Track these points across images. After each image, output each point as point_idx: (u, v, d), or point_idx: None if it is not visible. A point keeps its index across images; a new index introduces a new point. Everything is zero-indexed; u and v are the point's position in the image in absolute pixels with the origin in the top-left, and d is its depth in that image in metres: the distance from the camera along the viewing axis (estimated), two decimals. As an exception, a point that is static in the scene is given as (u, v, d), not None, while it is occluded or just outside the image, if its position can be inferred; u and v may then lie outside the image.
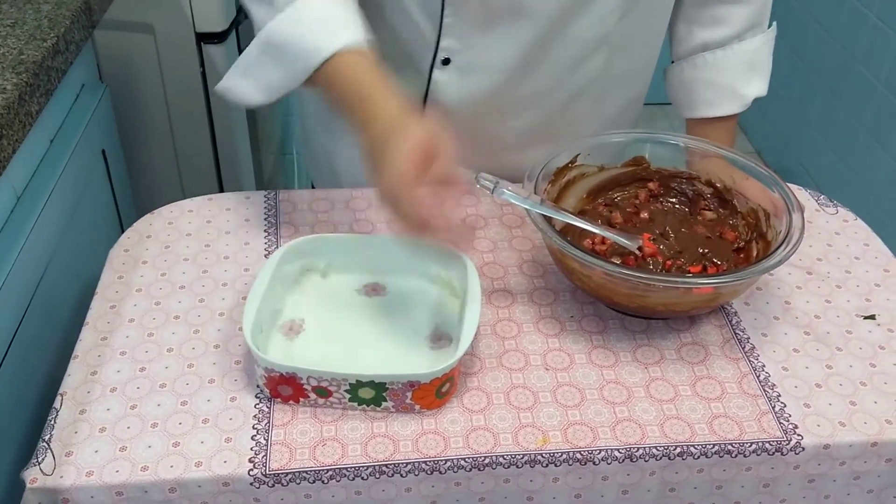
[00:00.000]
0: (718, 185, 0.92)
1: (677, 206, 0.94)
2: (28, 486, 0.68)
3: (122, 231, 0.96)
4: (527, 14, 0.90)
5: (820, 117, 2.39)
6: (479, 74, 0.95)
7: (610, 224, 0.91)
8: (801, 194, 1.04)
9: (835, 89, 2.30)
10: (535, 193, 0.83)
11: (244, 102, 0.88)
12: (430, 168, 0.72)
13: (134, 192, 1.32)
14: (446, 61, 0.94)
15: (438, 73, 0.95)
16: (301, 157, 1.21)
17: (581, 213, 0.91)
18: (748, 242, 0.88)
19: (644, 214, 0.92)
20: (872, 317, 0.86)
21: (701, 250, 0.88)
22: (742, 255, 0.88)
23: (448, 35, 0.92)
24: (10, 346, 0.83)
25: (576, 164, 0.91)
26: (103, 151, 1.17)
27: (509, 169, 0.97)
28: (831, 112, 2.32)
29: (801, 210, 0.83)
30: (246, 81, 0.86)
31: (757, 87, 1.05)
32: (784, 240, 0.80)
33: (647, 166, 0.94)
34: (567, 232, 0.86)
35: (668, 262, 0.86)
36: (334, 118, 1.05)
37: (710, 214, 0.92)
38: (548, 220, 0.81)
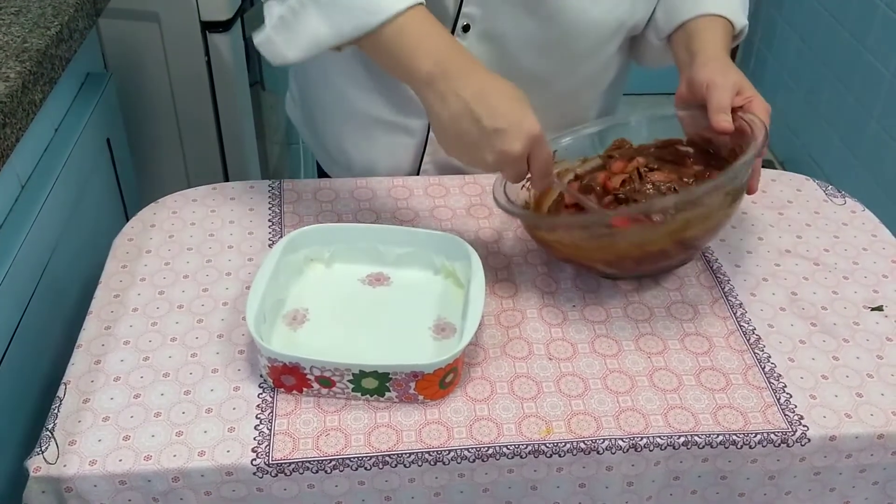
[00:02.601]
0: (698, 142, 0.91)
1: (662, 172, 0.92)
2: (31, 474, 0.68)
3: (127, 220, 0.96)
4: None
5: (829, 108, 2.37)
6: (497, 44, 0.94)
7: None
8: (809, 184, 1.03)
9: (844, 79, 2.28)
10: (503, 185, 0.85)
11: (280, 59, 0.82)
12: None
13: (139, 182, 1.32)
14: (466, 28, 0.93)
15: (458, 41, 0.94)
16: (306, 143, 1.20)
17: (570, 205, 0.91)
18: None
19: (618, 164, 0.91)
20: (880, 308, 0.85)
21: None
22: None
23: (471, 2, 0.91)
24: (14, 334, 0.83)
25: (555, 161, 0.91)
26: (108, 140, 1.16)
27: (434, 178, 0.99)
28: (840, 102, 2.31)
29: (758, 139, 0.80)
30: (286, 35, 0.80)
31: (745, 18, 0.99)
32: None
33: (629, 147, 0.93)
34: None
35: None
36: (340, 103, 1.05)
37: (697, 168, 0.91)
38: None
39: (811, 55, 2.47)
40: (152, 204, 0.98)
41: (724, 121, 0.83)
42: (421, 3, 0.79)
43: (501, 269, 0.89)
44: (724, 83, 0.84)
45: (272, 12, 0.81)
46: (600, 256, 0.82)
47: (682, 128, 0.91)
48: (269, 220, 0.95)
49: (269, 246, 0.91)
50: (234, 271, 0.88)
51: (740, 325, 0.83)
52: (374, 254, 0.87)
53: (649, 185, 0.87)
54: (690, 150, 0.91)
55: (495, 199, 0.84)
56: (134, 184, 1.28)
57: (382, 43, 0.78)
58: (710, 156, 0.90)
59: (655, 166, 0.90)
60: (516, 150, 0.75)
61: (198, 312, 0.83)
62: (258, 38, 0.83)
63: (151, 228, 0.94)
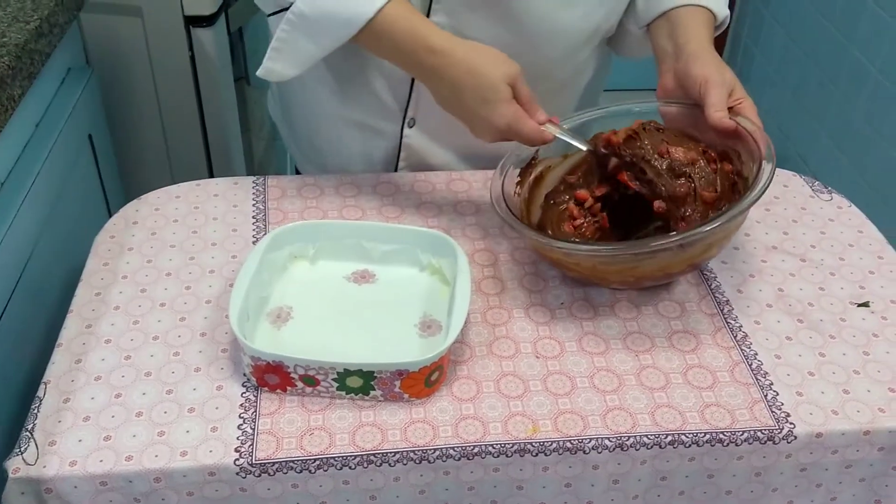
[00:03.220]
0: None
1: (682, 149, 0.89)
2: (10, 475, 0.67)
3: (110, 217, 0.95)
4: (514, 1, 0.89)
5: (816, 104, 2.38)
6: None
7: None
8: (795, 181, 1.03)
9: (831, 75, 2.28)
10: (503, 197, 0.85)
11: (282, 78, 0.91)
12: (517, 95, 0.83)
13: (122, 178, 1.31)
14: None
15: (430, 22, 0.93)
16: (284, 141, 1.19)
17: (555, 204, 0.90)
18: (732, 184, 0.84)
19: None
20: (866, 304, 0.85)
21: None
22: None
23: (438, 11, 0.91)
24: (-7, 333, 0.82)
25: (538, 158, 0.90)
26: (90, 136, 1.15)
27: (491, 155, 0.97)
28: (827, 98, 2.31)
29: (771, 155, 0.79)
30: (280, 60, 0.89)
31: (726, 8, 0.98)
32: (753, 182, 0.77)
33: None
34: (545, 224, 0.87)
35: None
36: (315, 104, 1.04)
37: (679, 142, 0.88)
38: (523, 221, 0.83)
39: (798, 51, 2.47)
40: (135, 201, 0.97)
41: (724, 119, 0.82)
42: (386, 5, 0.83)
43: (488, 267, 0.89)
44: (721, 81, 0.83)
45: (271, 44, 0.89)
46: (619, 278, 0.82)
47: (665, 122, 0.90)
48: (254, 217, 0.94)
49: (254, 243, 0.90)
50: (217, 269, 0.87)
51: (727, 323, 0.83)
52: (360, 251, 0.86)
53: (662, 162, 0.83)
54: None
55: (511, 225, 0.83)
56: (117, 180, 1.27)
57: (364, 42, 0.86)
58: None
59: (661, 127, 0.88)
60: (486, 138, 0.84)
61: (180, 310, 0.82)
62: (261, 71, 0.91)
63: (134, 225, 0.93)
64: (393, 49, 0.85)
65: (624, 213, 0.87)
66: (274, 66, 0.90)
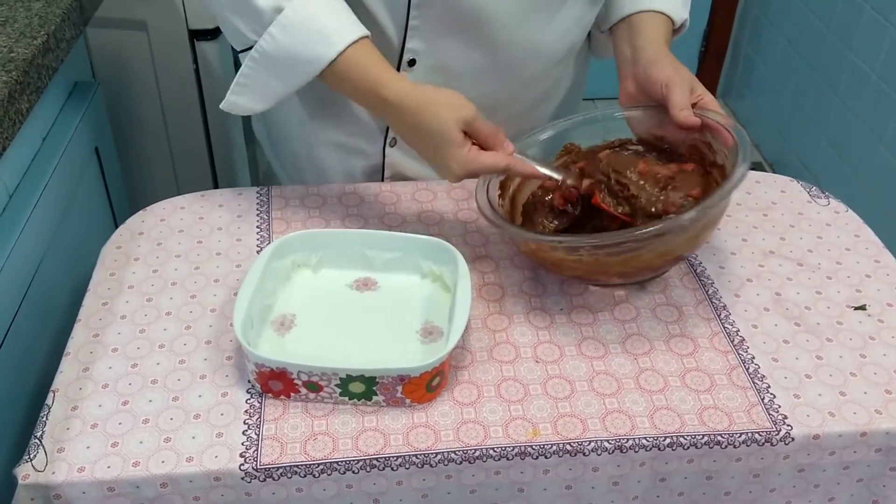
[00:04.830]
0: (649, 140, 0.91)
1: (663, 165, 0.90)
2: (20, 482, 0.68)
3: (116, 228, 0.96)
4: (490, 22, 0.91)
5: (816, 110, 2.39)
6: (446, 76, 0.95)
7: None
8: (793, 186, 1.04)
9: (831, 81, 2.29)
10: (491, 207, 0.86)
11: (248, 112, 0.92)
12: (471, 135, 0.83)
13: (128, 190, 1.32)
14: (412, 62, 0.94)
15: (404, 75, 0.95)
16: (270, 160, 1.20)
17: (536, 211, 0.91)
18: (707, 173, 0.86)
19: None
20: (863, 307, 0.86)
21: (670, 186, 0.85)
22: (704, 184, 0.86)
23: (414, 37, 0.92)
24: (2, 343, 0.83)
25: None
26: (96, 149, 1.17)
27: (422, 183, 1.00)
28: (827, 105, 2.32)
29: (747, 143, 0.81)
30: (247, 96, 0.90)
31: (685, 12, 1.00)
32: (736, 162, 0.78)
33: (578, 150, 0.93)
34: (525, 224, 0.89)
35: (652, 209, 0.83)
36: (297, 125, 1.06)
37: (654, 162, 0.90)
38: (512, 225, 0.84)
39: (798, 57, 2.48)
40: (140, 212, 0.98)
41: (689, 116, 0.84)
42: (355, 42, 0.85)
43: (488, 273, 0.90)
44: (681, 81, 0.86)
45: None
46: (619, 270, 0.83)
47: (631, 127, 0.92)
48: (258, 227, 0.96)
49: (258, 252, 0.92)
50: (221, 278, 0.88)
51: (724, 327, 0.84)
52: (362, 259, 0.88)
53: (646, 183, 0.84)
54: (641, 148, 0.92)
55: (498, 226, 0.84)
56: (123, 192, 1.29)
57: (328, 82, 0.87)
58: (664, 153, 0.91)
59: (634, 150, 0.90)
60: (452, 180, 0.84)
61: (186, 319, 0.83)
62: (224, 105, 0.91)
63: (139, 236, 0.94)
64: (353, 92, 0.87)
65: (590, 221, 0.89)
66: (238, 100, 0.90)
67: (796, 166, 2.49)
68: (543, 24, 0.94)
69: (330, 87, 0.88)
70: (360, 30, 0.86)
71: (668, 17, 0.95)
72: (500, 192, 0.89)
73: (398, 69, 0.94)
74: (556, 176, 0.86)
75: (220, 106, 0.91)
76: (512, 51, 0.94)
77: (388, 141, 1.02)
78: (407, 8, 0.90)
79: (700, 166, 0.87)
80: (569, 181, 0.86)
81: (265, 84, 0.88)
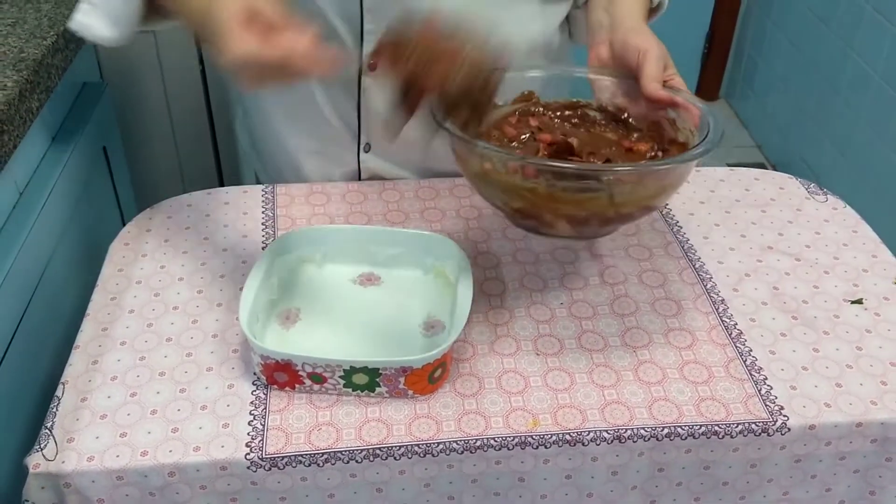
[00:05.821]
0: (610, 108, 0.89)
1: (579, 129, 0.90)
2: (31, 471, 0.70)
3: (124, 226, 0.98)
4: None
5: (819, 110, 2.40)
6: None
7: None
8: (791, 183, 1.05)
9: (833, 82, 2.30)
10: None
11: (98, 40, 0.86)
12: (258, 21, 0.70)
13: (135, 188, 1.34)
14: (373, 67, 0.94)
15: (367, 80, 0.96)
16: (256, 170, 1.21)
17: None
18: (663, 151, 0.85)
19: (545, 136, 0.86)
20: (860, 301, 0.87)
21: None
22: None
23: (370, 41, 0.93)
24: (13, 337, 0.85)
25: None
26: (104, 148, 1.19)
27: (451, 172, 1.00)
28: (830, 105, 2.33)
29: (715, 113, 0.80)
30: (94, 15, 0.85)
31: None
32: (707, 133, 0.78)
33: (536, 101, 0.91)
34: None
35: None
36: (275, 135, 1.06)
37: (611, 135, 0.88)
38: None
39: (800, 58, 2.49)
40: (148, 209, 1.00)
41: (658, 90, 0.82)
42: None
43: (490, 269, 0.91)
44: (658, 54, 0.84)
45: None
46: (570, 211, 0.78)
47: (594, 91, 0.89)
48: (263, 224, 0.97)
49: (263, 248, 0.93)
50: (228, 273, 0.90)
51: (722, 320, 0.85)
52: (366, 254, 0.89)
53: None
54: (598, 115, 0.90)
55: (460, 138, 0.77)
56: (130, 190, 1.30)
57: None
58: (621, 123, 0.89)
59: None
60: (235, 79, 0.72)
61: (192, 313, 0.85)
62: (73, 24, 0.85)
63: (147, 233, 0.96)
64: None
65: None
66: (85, 19, 0.85)
67: (799, 166, 2.50)
68: (494, 21, 0.94)
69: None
70: None
71: None
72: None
73: (359, 74, 0.95)
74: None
75: (68, 25, 0.86)
76: None
77: (362, 146, 1.03)
78: (360, 13, 0.90)
79: (657, 143, 0.85)
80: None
81: (109, 2, 0.84)
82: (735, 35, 2.92)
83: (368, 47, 0.93)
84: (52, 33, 0.95)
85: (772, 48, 2.68)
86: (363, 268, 0.90)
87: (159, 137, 1.51)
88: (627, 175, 0.76)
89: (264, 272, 0.82)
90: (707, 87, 3.00)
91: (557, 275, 0.90)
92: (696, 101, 0.83)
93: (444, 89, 0.73)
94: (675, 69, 0.85)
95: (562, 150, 0.81)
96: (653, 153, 0.85)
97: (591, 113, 0.90)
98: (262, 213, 0.99)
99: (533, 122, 0.88)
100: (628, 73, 0.86)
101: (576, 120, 0.90)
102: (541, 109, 0.90)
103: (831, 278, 0.90)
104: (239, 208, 1.00)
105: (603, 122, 0.89)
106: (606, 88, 0.89)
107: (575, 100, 0.90)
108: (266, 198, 1.01)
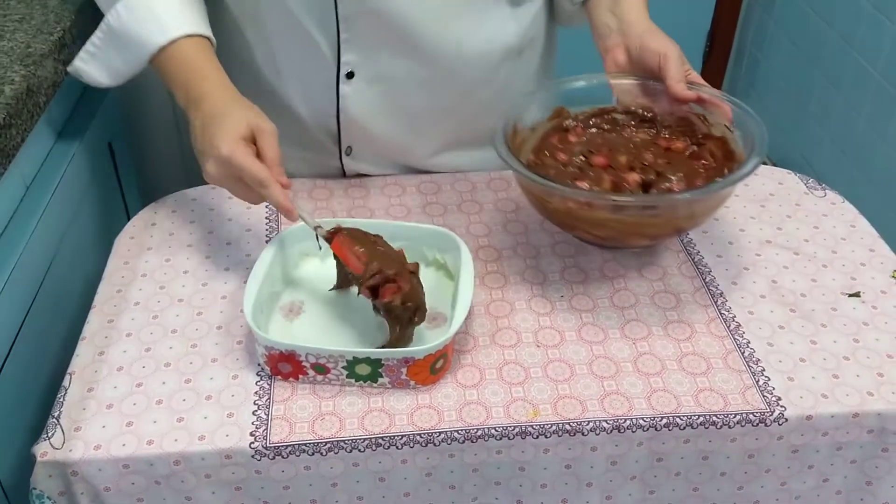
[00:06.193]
0: (635, 109, 0.94)
1: (612, 134, 0.94)
2: (38, 459, 0.71)
3: (129, 221, 0.99)
4: (416, 31, 0.92)
5: (820, 108, 2.40)
6: (387, 87, 0.97)
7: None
8: (790, 178, 1.06)
9: (833, 80, 2.31)
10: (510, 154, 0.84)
11: (93, 84, 0.93)
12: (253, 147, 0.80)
13: (140, 183, 1.35)
14: (350, 75, 0.96)
15: (345, 87, 0.97)
16: None
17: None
18: (698, 145, 0.91)
19: (599, 159, 0.90)
20: (857, 294, 0.88)
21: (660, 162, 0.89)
22: (702, 161, 0.90)
23: (348, 50, 0.94)
24: (20, 329, 0.86)
25: (517, 129, 0.91)
26: (110, 144, 1.19)
27: (426, 176, 1.02)
28: (830, 103, 2.34)
29: (763, 133, 0.85)
30: (93, 65, 0.92)
31: None
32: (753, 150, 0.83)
33: (566, 114, 0.94)
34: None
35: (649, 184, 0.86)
36: None
37: (643, 136, 0.93)
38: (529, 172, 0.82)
39: (801, 56, 2.50)
40: (153, 203, 1.01)
41: (685, 90, 0.87)
42: (191, 37, 0.87)
43: (491, 262, 0.92)
44: (677, 54, 0.88)
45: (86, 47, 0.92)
46: (654, 231, 0.85)
47: (617, 96, 0.93)
48: (266, 218, 0.98)
49: (266, 242, 0.94)
50: (232, 266, 0.91)
51: (721, 313, 0.86)
52: (368, 248, 0.90)
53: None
54: (625, 118, 0.94)
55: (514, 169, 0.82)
56: (136, 185, 1.31)
57: (158, 70, 0.89)
58: (648, 121, 0.93)
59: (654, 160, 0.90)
60: (209, 170, 0.81)
61: (197, 306, 0.86)
62: (70, 69, 0.93)
63: (152, 227, 0.97)
64: (169, 83, 0.88)
65: None
66: (83, 66, 0.92)
67: (800, 164, 2.51)
68: (469, 30, 0.95)
69: (160, 76, 0.89)
70: (199, 27, 0.88)
71: None
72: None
73: (337, 82, 0.96)
74: (309, 222, 0.84)
75: (68, 69, 0.93)
76: (445, 59, 0.95)
77: (343, 150, 1.04)
78: (336, 21, 0.91)
79: (690, 138, 0.91)
80: (321, 230, 0.84)
81: (109, 58, 0.91)
82: (736, 33, 2.92)
83: (346, 55, 0.94)
84: (58, 29, 0.96)
85: (773, 47, 2.68)
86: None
87: (164, 133, 1.52)
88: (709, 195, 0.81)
89: (268, 265, 0.83)
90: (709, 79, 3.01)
91: (558, 268, 0.91)
92: (716, 93, 0.88)
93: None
94: (689, 65, 0.89)
95: (648, 186, 0.86)
96: (691, 150, 0.91)
97: (618, 116, 0.95)
98: (266, 207, 1.00)
99: (572, 139, 0.93)
100: (647, 75, 0.90)
101: (606, 126, 0.95)
102: (573, 123, 0.94)
103: (829, 272, 0.91)
104: (242, 203, 1.00)
105: (632, 123, 0.94)
106: (628, 91, 0.93)
107: (601, 107, 0.94)
108: (270, 192, 1.02)
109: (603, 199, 0.82)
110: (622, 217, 0.81)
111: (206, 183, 1.04)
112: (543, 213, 0.88)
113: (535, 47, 1.05)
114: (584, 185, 0.86)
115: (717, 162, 0.89)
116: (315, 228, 0.83)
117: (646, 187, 0.86)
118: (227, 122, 0.80)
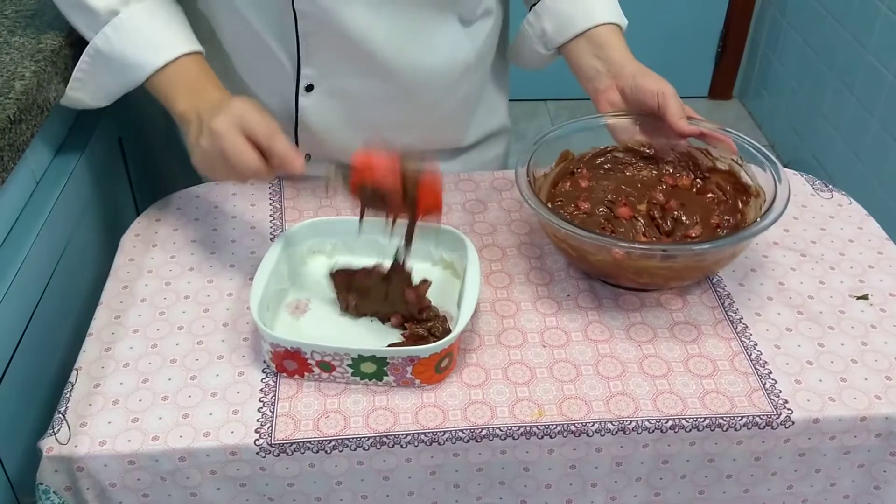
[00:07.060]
0: (635, 147, 0.95)
1: (615, 174, 0.96)
2: (45, 454, 0.71)
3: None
4: (373, 48, 0.92)
5: (832, 109, 2.39)
6: (345, 101, 0.98)
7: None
8: (796, 179, 1.06)
9: (846, 81, 2.30)
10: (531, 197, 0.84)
11: (89, 107, 0.95)
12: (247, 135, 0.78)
13: (150, 179, 1.35)
14: (310, 88, 0.96)
15: (304, 100, 0.97)
16: None
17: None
18: (703, 179, 0.93)
19: (624, 210, 0.91)
20: (865, 297, 0.88)
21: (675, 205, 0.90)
22: (708, 195, 0.92)
23: (307, 64, 0.94)
24: (28, 324, 0.86)
25: (535, 177, 0.91)
26: (120, 140, 1.20)
27: None
28: (843, 104, 2.32)
29: (784, 178, 0.86)
30: (85, 91, 0.93)
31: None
32: (773, 200, 0.84)
33: (572, 158, 0.95)
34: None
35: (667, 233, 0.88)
36: None
37: (646, 174, 0.95)
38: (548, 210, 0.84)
39: (814, 57, 2.49)
40: (158, 201, 1.01)
41: (687, 126, 0.89)
42: (187, 56, 0.88)
43: (496, 262, 0.92)
44: (673, 91, 0.90)
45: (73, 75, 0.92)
46: (694, 275, 0.86)
47: (614, 135, 0.95)
48: (271, 216, 0.98)
49: (271, 240, 0.94)
50: (237, 263, 0.91)
51: (728, 315, 0.85)
52: (375, 246, 0.90)
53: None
54: (626, 156, 0.96)
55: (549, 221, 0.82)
56: (145, 182, 1.32)
57: (153, 90, 0.89)
58: (649, 159, 0.96)
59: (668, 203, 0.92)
60: (202, 142, 0.79)
61: (203, 302, 0.86)
62: (64, 100, 0.93)
63: (157, 223, 0.97)
64: (164, 100, 0.88)
65: None
66: (75, 94, 0.93)
67: (812, 165, 2.50)
68: (424, 47, 0.95)
69: (154, 94, 0.89)
70: (191, 44, 0.89)
71: (619, 26, 0.98)
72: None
73: (296, 95, 0.97)
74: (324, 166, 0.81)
75: (62, 101, 0.93)
76: (402, 77, 0.96)
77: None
78: (296, 37, 0.91)
79: (693, 172, 0.94)
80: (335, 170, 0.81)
81: (99, 82, 0.91)
82: (749, 34, 2.91)
83: (306, 69, 0.94)
84: (68, 24, 0.97)
85: (786, 47, 2.67)
86: (373, 259, 0.90)
87: (171, 130, 1.52)
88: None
89: (275, 262, 0.83)
90: (721, 87, 3.00)
91: (563, 267, 0.91)
92: (715, 126, 0.91)
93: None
94: (682, 101, 0.92)
95: (686, 237, 0.88)
96: (697, 185, 0.93)
97: (620, 155, 0.96)
98: (270, 204, 1.00)
99: (583, 184, 0.94)
100: (644, 113, 0.93)
101: (608, 166, 0.97)
102: (580, 167, 0.96)
103: (837, 274, 0.91)
104: (247, 200, 1.01)
105: (634, 161, 0.96)
106: (625, 129, 0.95)
107: (602, 147, 0.96)
108: (273, 190, 1.03)
109: (662, 251, 0.83)
110: (671, 264, 0.82)
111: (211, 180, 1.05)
112: (579, 263, 0.88)
113: (489, 59, 1.06)
114: (619, 234, 0.88)
115: (728, 195, 0.91)
116: (330, 170, 0.80)
117: (668, 232, 0.88)
118: (226, 103, 0.80)
